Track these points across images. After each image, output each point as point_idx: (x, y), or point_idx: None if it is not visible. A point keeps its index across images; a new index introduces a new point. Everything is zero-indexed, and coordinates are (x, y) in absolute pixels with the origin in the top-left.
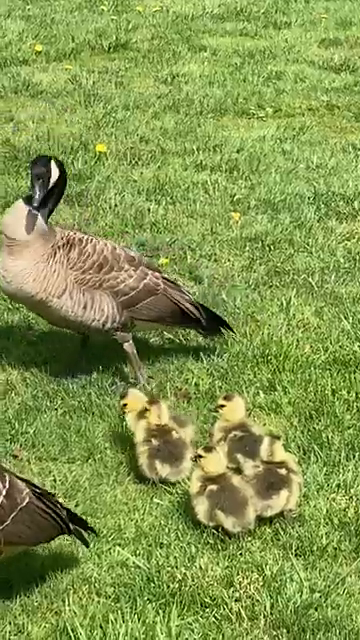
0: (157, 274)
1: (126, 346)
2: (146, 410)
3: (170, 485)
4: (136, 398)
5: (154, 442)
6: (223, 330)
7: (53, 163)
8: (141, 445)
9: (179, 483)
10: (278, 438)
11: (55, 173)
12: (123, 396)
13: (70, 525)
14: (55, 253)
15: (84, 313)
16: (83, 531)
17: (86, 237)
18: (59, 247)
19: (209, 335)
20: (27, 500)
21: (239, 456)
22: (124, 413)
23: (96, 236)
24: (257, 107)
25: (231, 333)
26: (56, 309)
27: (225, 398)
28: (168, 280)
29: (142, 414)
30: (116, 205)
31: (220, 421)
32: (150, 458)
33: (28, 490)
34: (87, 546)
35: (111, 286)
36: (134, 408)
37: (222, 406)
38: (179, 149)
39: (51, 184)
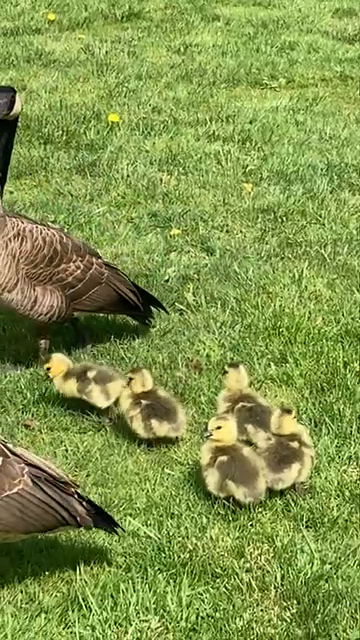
0: (100, 262)
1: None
2: (130, 380)
3: (181, 455)
4: (59, 361)
5: (144, 402)
6: (155, 309)
7: (18, 97)
8: (131, 410)
9: (190, 454)
10: (289, 411)
11: (18, 106)
12: (47, 361)
13: (79, 518)
14: (7, 245)
15: (33, 307)
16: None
17: (35, 227)
18: (10, 239)
19: (143, 320)
20: (19, 487)
21: (249, 427)
22: (48, 377)
23: (42, 223)
24: (270, 77)
25: (164, 313)
26: (5, 301)
27: (230, 365)
28: (109, 266)
29: (67, 376)
30: (128, 175)
31: (224, 391)
32: (145, 420)
33: (24, 477)
34: (118, 534)
35: (60, 279)
36: (58, 371)
37: (225, 372)
38: (192, 119)
39: (11, 114)
